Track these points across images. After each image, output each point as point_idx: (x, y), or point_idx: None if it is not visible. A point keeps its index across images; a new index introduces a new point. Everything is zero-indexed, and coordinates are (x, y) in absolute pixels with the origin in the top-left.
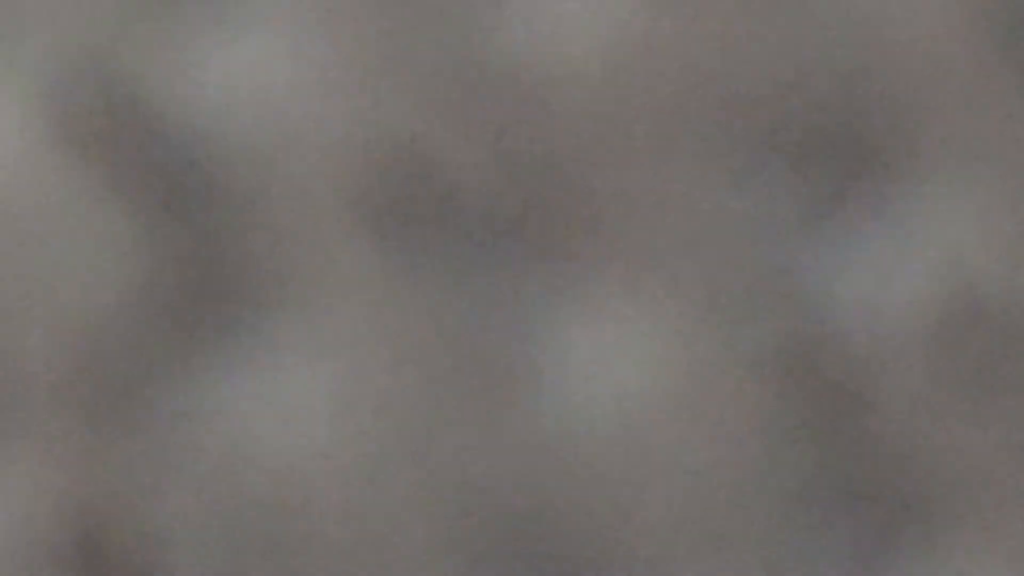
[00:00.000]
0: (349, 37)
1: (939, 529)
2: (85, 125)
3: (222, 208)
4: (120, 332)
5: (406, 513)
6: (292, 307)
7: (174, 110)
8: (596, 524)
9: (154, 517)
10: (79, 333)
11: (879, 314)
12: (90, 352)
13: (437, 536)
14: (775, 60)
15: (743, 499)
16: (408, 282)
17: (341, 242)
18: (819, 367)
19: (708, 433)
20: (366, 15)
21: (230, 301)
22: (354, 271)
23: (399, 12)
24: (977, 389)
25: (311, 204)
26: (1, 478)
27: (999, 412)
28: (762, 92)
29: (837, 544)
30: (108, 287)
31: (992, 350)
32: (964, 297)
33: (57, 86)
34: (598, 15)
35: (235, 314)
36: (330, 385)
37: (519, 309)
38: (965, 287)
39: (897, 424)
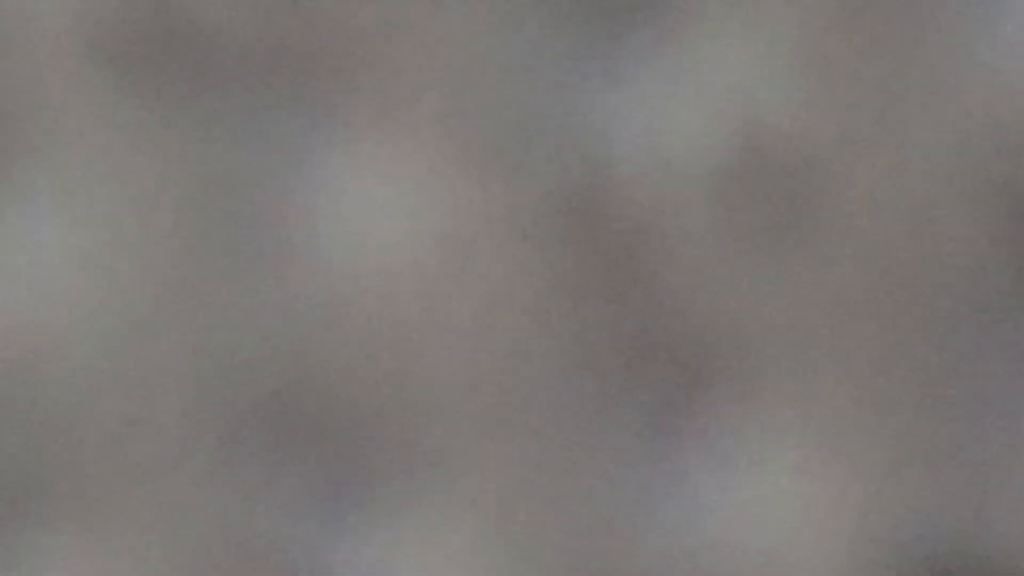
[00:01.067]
0: None
1: (725, 385)
2: None
3: None
4: None
5: (159, 382)
6: (28, 154)
7: None
8: (363, 391)
9: None
10: None
11: (661, 158)
12: None
13: (193, 407)
14: None
15: (520, 364)
16: (155, 128)
17: (81, 83)
18: (598, 217)
19: (481, 291)
20: None
21: None
22: (97, 113)
23: None
24: (766, 238)
25: (48, 42)
26: None
27: (783, 262)
28: None
29: (625, 403)
30: None
31: (780, 196)
32: (751, 139)
33: None
34: None
35: None
36: (76, 239)
37: (274, 156)
38: (752, 128)
39: (683, 277)
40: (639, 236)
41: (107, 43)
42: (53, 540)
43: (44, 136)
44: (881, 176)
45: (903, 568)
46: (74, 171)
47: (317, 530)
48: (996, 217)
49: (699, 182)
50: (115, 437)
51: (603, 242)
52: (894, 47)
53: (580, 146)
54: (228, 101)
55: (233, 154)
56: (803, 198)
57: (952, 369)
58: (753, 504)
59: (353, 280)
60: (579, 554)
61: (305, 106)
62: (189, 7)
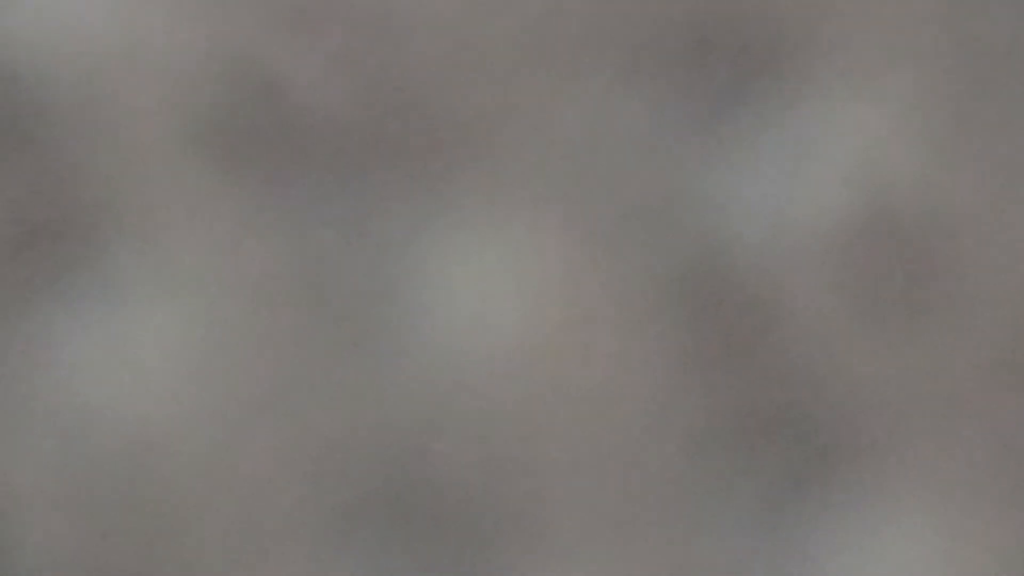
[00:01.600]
0: None
1: (855, 457)
2: None
3: (51, 140)
4: None
5: (272, 470)
6: (134, 245)
7: None
8: (480, 477)
9: None
10: None
11: (784, 225)
12: None
13: (306, 494)
14: None
15: (645, 438)
16: (261, 215)
17: (184, 172)
18: (719, 287)
19: (603, 368)
20: None
21: (64, 241)
22: (200, 203)
23: None
24: (892, 305)
25: (150, 132)
26: None
27: (915, 330)
28: None
29: (751, 479)
30: None
31: (908, 262)
32: (877, 204)
33: None
34: None
35: (71, 255)
36: (181, 330)
37: (385, 242)
38: (878, 193)
39: (808, 345)
40: (763, 307)
41: (209, 132)
42: None
43: (146, 226)
44: (1011, 237)
45: None
46: (177, 262)
47: None
48: None
49: (823, 251)
50: (225, 527)
51: (726, 315)
52: (1020, 105)
53: (700, 219)
54: (335, 187)
55: (341, 240)
56: (931, 263)
57: None
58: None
59: (468, 363)
60: None
61: (415, 189)
62: (293, 94)
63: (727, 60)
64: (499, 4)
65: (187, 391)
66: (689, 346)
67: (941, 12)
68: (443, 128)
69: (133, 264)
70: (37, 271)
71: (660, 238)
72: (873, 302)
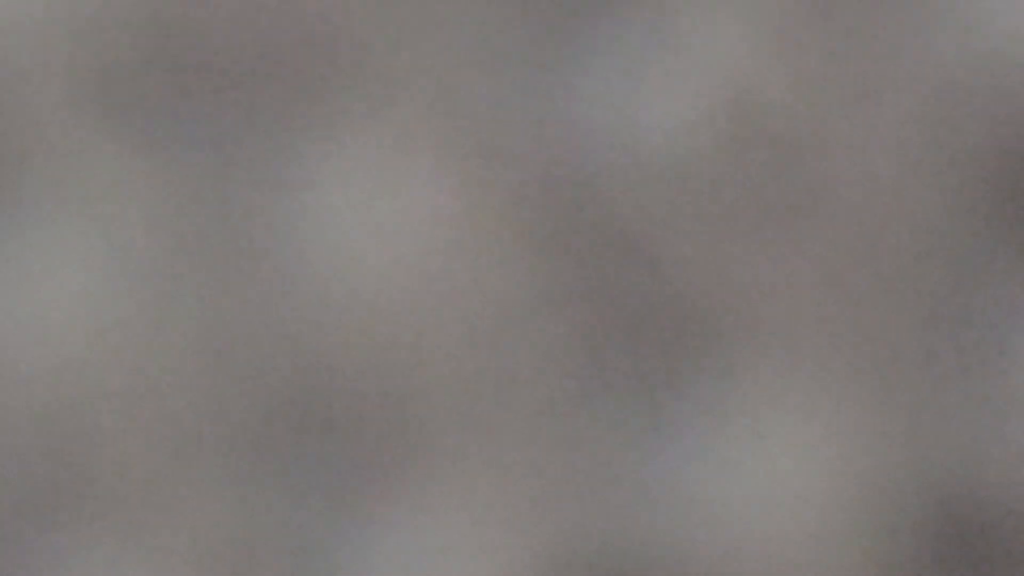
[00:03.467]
0: None
1: (727, 354)
2: None
3: None
4: None
5: (172, 395)
6: (37, 195)
7: None
8: (366, 391)
9: None
10: None
11: (646, 135)
12: None
13: (216, 408)
14: None
15: (516, 352)
16: (143, 154)
17: (77, 117)
18: (586, 200)
19: (472, 281)
20: None
21: None
22: (91, 147)
23: None
24: (760, 209)
25: (25, 86)
26: None
27: (783, 231)
28: None
29: (620, 385)
30: None
31: (773, 166)
32: (740, 111)
33: None
34: None
35: None
36: (86, 270)
37: (266, 168)
38: (740, 101)
39: (678, 251)
40: (626, 218)
41: (88, 73)
42: (73, 539)
43: (46, 175)
44: (862, 146)
45: (895, 518)
46: (77, 207)
47: (323, 522)
48: (974, 177)
49: (689, 159)
50: (142, 447)
51: (592, 223)
52: (871, 15)
53: (564, 139)
54: (214, 116)
55: (222, 169)
56: (787, 170)
57: (936, 326)
58: (749, 467)
59: (350, 285)
60: (578, 526)
61: (288, 119)
62: (173, 29)
63: None
64: None
65: (89, 335)
66: (554, 254)
67: None
68: (319, 62)
69: (37, 212)
70: None
71: (531, 152)
72: (729, 208)
